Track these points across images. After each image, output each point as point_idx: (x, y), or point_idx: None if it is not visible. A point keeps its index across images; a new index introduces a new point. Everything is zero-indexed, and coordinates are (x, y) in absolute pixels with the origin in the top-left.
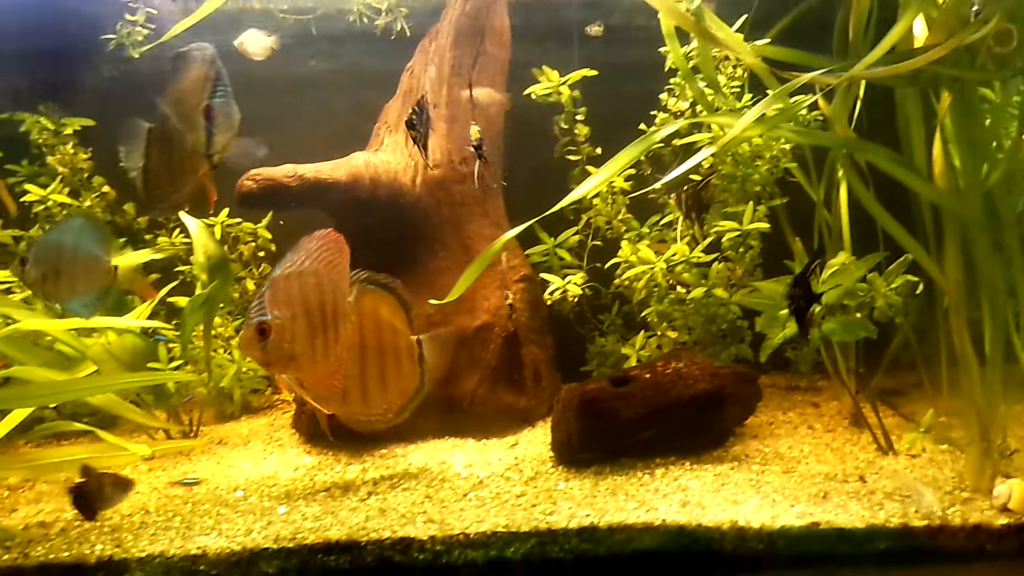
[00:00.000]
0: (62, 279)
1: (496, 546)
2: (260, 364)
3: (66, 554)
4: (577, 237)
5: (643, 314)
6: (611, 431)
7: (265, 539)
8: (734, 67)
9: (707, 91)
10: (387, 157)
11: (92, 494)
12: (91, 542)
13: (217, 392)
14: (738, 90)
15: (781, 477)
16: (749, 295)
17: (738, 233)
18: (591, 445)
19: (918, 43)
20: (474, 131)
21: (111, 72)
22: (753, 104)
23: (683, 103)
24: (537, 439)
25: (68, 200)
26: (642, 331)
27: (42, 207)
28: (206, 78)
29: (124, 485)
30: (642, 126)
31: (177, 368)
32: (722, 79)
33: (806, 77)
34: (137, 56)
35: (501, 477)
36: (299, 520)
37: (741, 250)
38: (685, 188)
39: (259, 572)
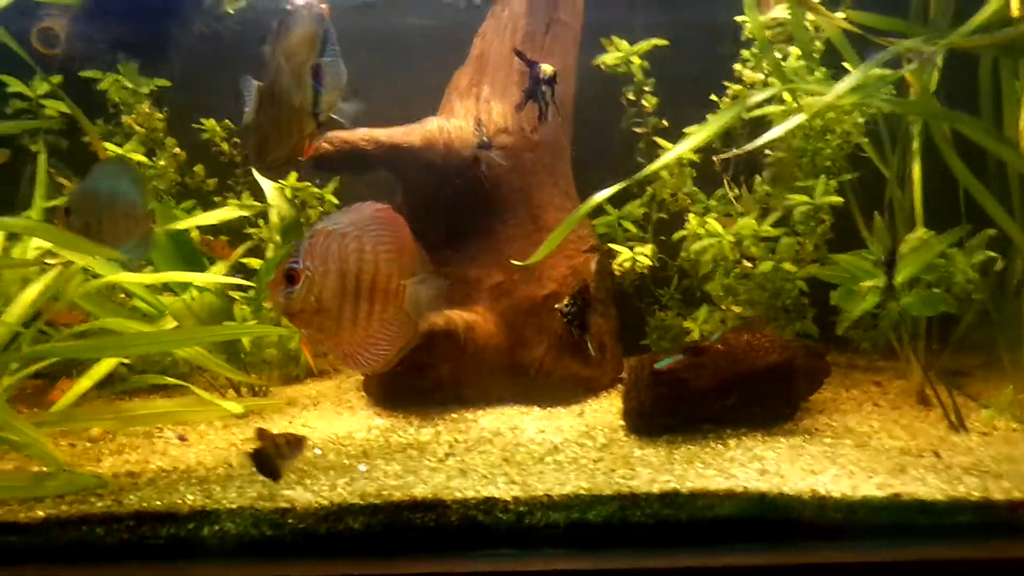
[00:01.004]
0: (104, 226)
1: (578, 508)
2: (283, 312)
3: (158, 502)
4: (642, 209)
5: (707, 288)
6: (684, 400)
7: (351, 495)
8: (810, 39)
9: (789, 63)
10: (460, 123)
11: (271, 455)
12: (181, 492)
13: (283, 354)
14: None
15: (855, 450)
16: (824, 268)
17: (809, 207)
18: (663, 414)
19: (1014, 13)
20: (546, 68)
21: (202, 29)
22: (828, 77)
23: (759, 74)
24: (603, 408)
25: (144, 159)
26: (704, 305)
27: None
28: (315, 36)
29: (298, 443)
30: (712, 97)
31: None
32: (798, 50)
33: (905, 44)
34: (231, 12)
35: (575, 443)
36: (381, 478)
37: (812, 224)
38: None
39: (346, 527)
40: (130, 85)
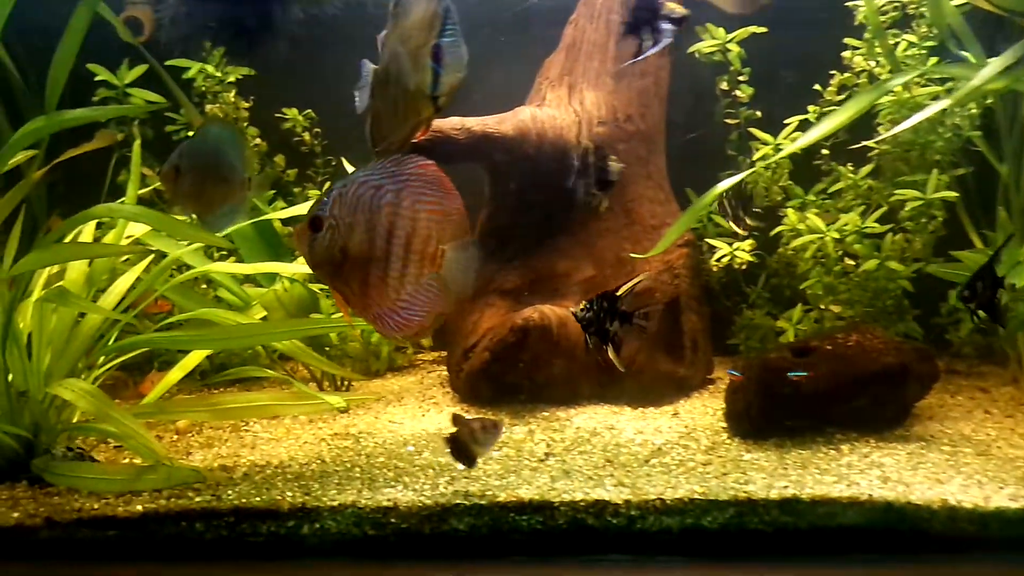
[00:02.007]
0: (206, 190)
1: (692, 514)
2: (306, 260)
3: (257, 499)
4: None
5: (803, 286)
6: (793, 403)
7: (455, 495)
8: (928, 26)
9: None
10: (553, 112)
11: (466, 441)
12: (279, 488)
13: (364, 349)
14: (925, 52)
15: (978, 459)
16: (943, 266)
17: (921, 202)
18: (771, 416)
19: None
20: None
21: (299, 14)
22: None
23: (871, 61)
24: (697, 409)
25: None
26: (799, 304)
27: None
28: (434, 16)
29: (495, 429)
30: (817, 87)
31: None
32: (912, 38)
33: None
34: None
35: (678, 445)
36: (483, 477)
37: (923, 220)
38: None
39: (450, 528)
40: (217, 74)
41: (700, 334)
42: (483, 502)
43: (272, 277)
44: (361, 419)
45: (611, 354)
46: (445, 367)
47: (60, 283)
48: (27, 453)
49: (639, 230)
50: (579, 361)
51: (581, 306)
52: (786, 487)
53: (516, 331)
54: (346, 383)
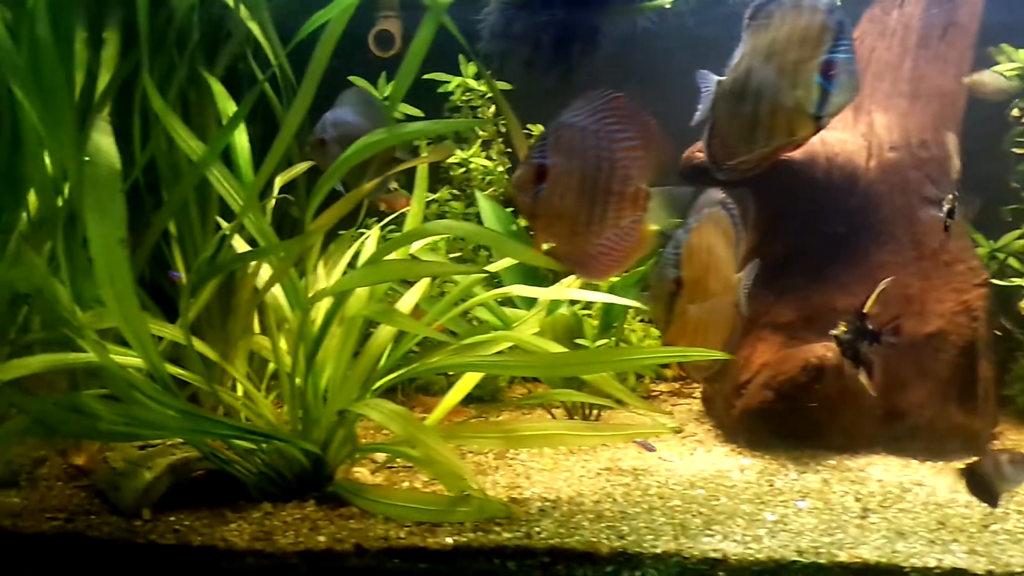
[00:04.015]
0: None
1: None
2: (525, 211)
3: (571, 540)
4: (1021, 242)
5: None
6: None
7: (783, 548)
8: None
9: None
10: (841, 136)
11: (990, 475)
12: (587, 528)
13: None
14: None
15: None
16: None
17: None
18: None
19: None
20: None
21: (644, 24)
22: None
23: None
24: None
25: (488, 164)
26: None
27: (461, 171)
28: (822, 30)
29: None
30: None
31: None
32: None
33: None
34: (667, 6)
35: (1009, 510)
36: (805, 532)
37: None
38: None
39: None
40: (481, 87)
41: (991, 383)
42: (822, 560)
43: (531, 300)
44: (623, 453)
45: (863, 378)
46: (687, 399)
47: (352, 298)
48: (315, 470)
49: (928, 265)
50: (862, 406)
51: (842, 328)
52: None
53: (809, 370)
54: (595, 412)
